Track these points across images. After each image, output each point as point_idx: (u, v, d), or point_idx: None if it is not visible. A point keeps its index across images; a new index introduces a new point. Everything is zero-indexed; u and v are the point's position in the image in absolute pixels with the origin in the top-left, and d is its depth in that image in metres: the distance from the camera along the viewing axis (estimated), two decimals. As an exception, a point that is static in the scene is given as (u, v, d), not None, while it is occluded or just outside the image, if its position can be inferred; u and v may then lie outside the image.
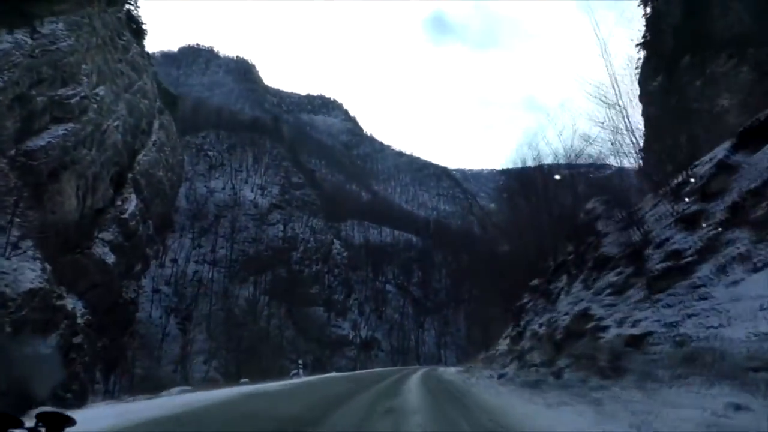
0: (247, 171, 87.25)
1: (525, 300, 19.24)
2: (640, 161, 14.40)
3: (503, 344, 22.61)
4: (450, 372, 27.47)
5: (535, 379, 11.75)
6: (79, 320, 32.68)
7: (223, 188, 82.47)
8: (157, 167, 76.01)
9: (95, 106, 43.48)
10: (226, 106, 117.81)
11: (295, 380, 21.53)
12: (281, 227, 77.31)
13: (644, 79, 25.09)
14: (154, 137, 79.60)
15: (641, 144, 14.70)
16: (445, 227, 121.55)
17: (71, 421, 1.35)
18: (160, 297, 59.45)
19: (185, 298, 60.26)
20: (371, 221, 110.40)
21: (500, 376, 14.86)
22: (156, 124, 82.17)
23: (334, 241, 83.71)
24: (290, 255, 74.61)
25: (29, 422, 1.35)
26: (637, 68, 25.22)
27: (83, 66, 41.51)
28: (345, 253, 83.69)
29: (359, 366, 63.34)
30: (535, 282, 19.15)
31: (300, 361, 24.99)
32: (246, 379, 22.69)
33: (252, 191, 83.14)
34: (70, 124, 38.14)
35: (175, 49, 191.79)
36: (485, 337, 78.65)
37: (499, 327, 42.78)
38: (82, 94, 40.41)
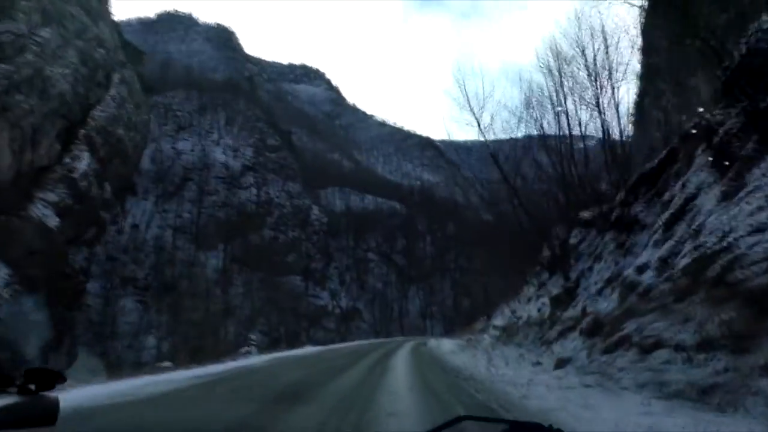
0: (219, 132, 79.19)
1: (574, 237, 12.65)
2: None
3: (525, 309, 16.33)
4: (447, 348, 21.25)
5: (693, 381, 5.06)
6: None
7: (192, 150, 74.55)
8: (116, 124, 67.87)
9: (36, 48, 36.07)
10: (198, 65, 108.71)
11: (235, 364, 14.95)
12: (254, 191, 70.04)
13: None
14: (113, 91, 71.12)
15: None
16: (430, 195, 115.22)
17: (61, 378, 1.22)
18: (115, 265, 52.21)
19: (144, 267, 53.14)
20: (353, 188, 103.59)
21: (561, 364, 8.35)
22: (116, 78, 73.57)
23: (313, 206, 76.73)
24: (264, 220, 67.63)
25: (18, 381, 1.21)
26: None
27: (21, 1, 34.31)
28: (324, 220, 76.86)
29: (338, 339, 57.22)
30: (588, 214, 12.65)
31: (253, 337, 18.53)
32: (169, 363, 16.24)
33: (224, 153, 75.40)
34: (2, 65, 31.17)
35: (152, 15, 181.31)
36: (476, 305, 72.95)
37: (499, 291, 36.65)
38: (19, 33, 33.15)
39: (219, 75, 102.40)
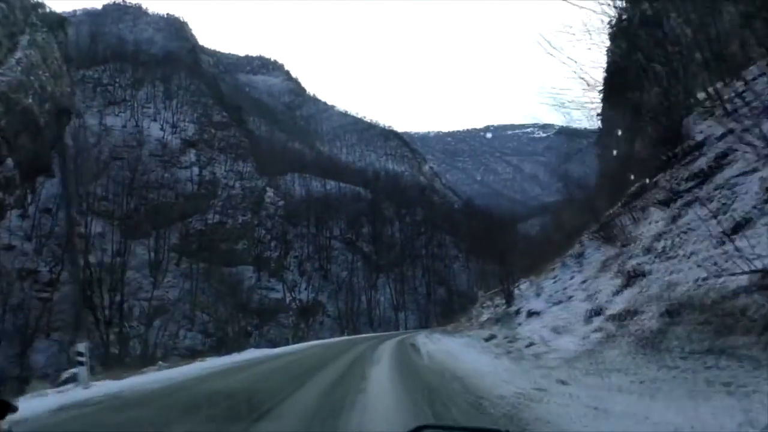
0: (156, 107, 67.63)
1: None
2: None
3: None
4: (466, 363, 10.97)
5: None
6: None
7: (124, 126, 62.95)
8: (23, 93, 56.15)
9: None
10: (131, 37, 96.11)
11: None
12: (196, 170, 59.04)
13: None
14: (19, 54, 59.18)
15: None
16: (396, 180, 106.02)
17: (12, 408, 1.22)
18: (14, 256, 40.68)
19: (47, 259, 41.82)
20: (314, 175, 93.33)
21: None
22: (24, 41, 61.45)
23: (267, 188, 66.10)
24: (209, 204, 56.82)
25: None
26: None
27: None
28: (281, 203, 66.41)
29: (296, 338, 47.19)
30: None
31: (81, 350, 8.84)
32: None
33: (161, 129, 64.04)
34: None
35: (99, 6, 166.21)
36: (454, 294, 63.89)
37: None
38: None
39: (157, 49, 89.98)
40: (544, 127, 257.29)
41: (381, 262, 71.84)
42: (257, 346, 39.41)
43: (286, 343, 36.74)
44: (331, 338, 38.04)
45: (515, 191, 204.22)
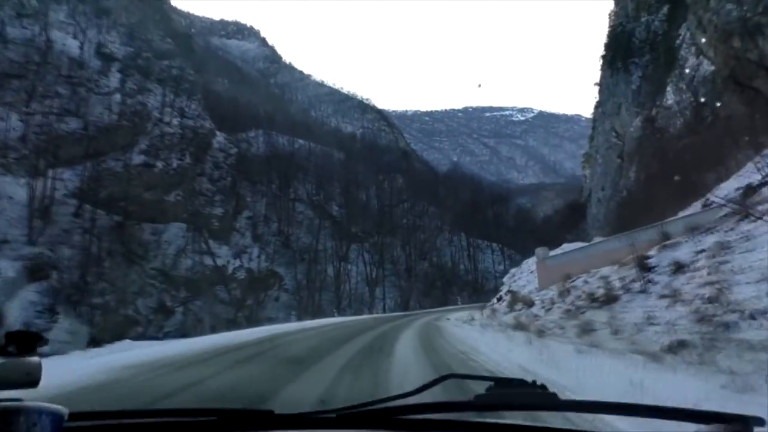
0: (78, 23, 51.32)
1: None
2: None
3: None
4: None
5: None
6: None
7: (32, 40, 46.74)
8: None
9: None
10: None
11: None
12: (119, 97, 43.50)
13: None
14: None
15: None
16: (374, 144, 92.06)
17: (42, 340, 1.09)
18: None
19: None
20: (283, 133, 78.39)
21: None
22: None
23: (217, 133, 50.95)
24: (132, 140, 41.60)
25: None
26: None
27: None
28: (233, 151, 51.42)
29: (240, 320, 33.08)
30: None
31: None
32: None
33: (81, 48, 48.00)
34: None
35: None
36: (439, 270, 50.70)
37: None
38: None
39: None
40: (523, 110, 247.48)
41: (354, 229, 57.84)
42: (160, 336, 25.42)
43: (207, 332, 22.58)
44: (276, 326, 23.80)
45: (491, 174, 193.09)
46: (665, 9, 49.31)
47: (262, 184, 58.30)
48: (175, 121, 46.03)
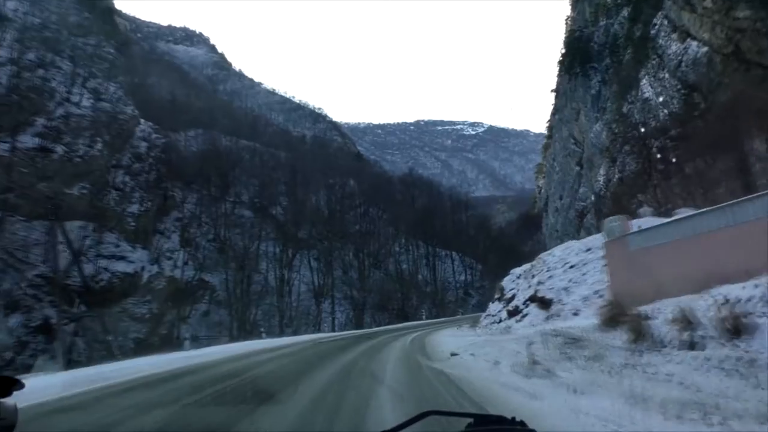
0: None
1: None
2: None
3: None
4: None
5: None
6: None
7: None
8: None
9: None
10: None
11: None
12: (12, 68, 35.07)
13: None
14: None
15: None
16: (325, 146, 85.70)
17: (18, 384, 1.17)
18: None
19: None
20: (225, 133, 70.73)
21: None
22: None
23: (141, 120, 43.00)
24: (28, 119, 33.30)
25: None
26: None
27: None
28: (160, 141, 43.53)
29: (154, 343, 25.42)
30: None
31: None
32: None
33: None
34: None
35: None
36: (395, 282, 44.90)
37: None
38: None
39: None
40: (474, 124, 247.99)
41: (301, 234, 50.84)
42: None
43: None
44: (184, 353, 16.87)
45: (442, 187, 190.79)
46: (625, 12, 46.53)
47: (197, 183, 50.61)
48: (86, 103, 37.94)
